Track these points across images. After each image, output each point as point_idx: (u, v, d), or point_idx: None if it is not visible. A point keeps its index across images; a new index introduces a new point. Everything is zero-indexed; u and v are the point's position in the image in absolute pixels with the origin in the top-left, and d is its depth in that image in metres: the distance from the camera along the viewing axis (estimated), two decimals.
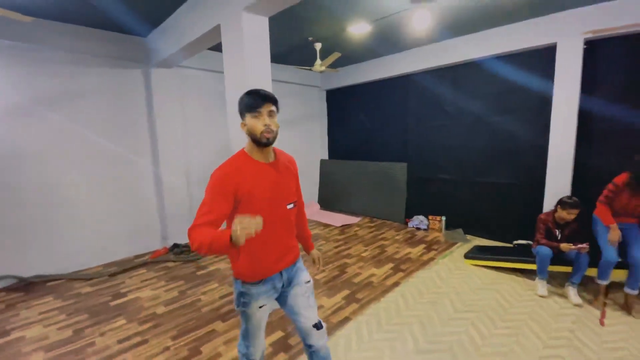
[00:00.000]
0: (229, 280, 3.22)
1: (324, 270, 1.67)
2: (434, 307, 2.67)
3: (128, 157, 3.91)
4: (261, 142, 1.23)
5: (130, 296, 2.98)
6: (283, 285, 1.41)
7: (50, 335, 2.39)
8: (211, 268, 3.57)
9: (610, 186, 2.58)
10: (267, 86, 2.43)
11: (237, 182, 1.20)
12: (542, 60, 3.52)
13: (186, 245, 4.15)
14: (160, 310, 2.72)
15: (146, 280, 3.32)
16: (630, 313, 2.44)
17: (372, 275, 3.28)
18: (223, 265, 3.65)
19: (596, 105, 3.27)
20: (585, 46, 3.19)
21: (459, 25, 3.64)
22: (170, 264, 3.73)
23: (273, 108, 1.24)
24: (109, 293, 3.05)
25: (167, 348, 2.21)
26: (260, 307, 1.36)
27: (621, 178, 2.53)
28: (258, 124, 1.21)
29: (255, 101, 1.21)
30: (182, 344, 2.26)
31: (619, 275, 2.64)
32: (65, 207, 3.50)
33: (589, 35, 3.11)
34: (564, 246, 2.64)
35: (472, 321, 2.45)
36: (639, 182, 2.45)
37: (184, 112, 4.30)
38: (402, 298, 2.81)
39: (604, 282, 2.55)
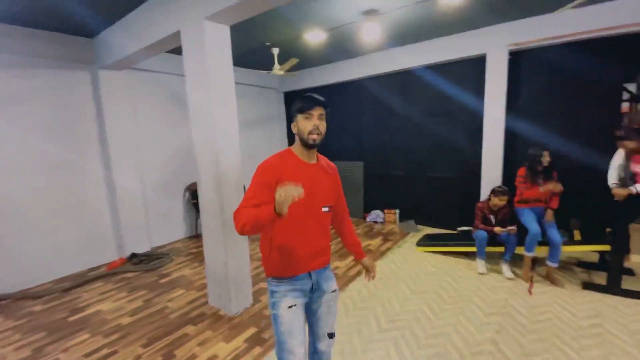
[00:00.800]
0: (196, 286, 3.22)
1: (374, 278, 1.59)
2: (393, 291, 2.95)
3: (76, 163, 3.67)
4: (308, 143, 1.30)
5: (90, 310, 2.85)
6: (312, 288, 1.41)
7: (8, 356, 2.24)
8: (175, 275, 3.52)
9: (517, 179, 3.16)
10: (231, 96, 2.50)
11: (279, 174, 1.26)
12: (475, 68, 4.01)
13: (145, 254, 4.02)
14: (126, 320, 2.65)
15: (105, 292, 3.18)
16: (553, 283, 2.94)
17: (337, 267, 3.50)
18: (187, 271, 3.61)
19: (520, 107, 3.83)
20: (509, 57, 3.72)
21: (404, 36, 4.00)
22: (129, 275, 3.59)
23: (323, 112, 1.31)
24: (65, 309, 2.88)
25: (139, 356, 2.20)
26: (289, 306, 1.34)
27: (521, 170, 3.13)
28: (308, 124, 1.28)
29: (308, 103, 1.28)
30: (154, 350, 2.26)
31: (541, 251, 3.16)
32: (6, 220, 3.21)
33: (512, 47, 3.63)
34: (498, 229, 3.11)
35: (425, 300, 2.78)
36: (532, 172, 3.04)
37: (136, 114, 4.14)
38: (364, 286, 3.06)
39: (530, 254, 3.03)
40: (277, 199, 1.06)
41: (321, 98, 1.32)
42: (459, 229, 4.36)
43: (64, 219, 3.61)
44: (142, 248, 4.17)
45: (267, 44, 3.98)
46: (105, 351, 2.26)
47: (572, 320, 2.40)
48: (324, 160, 1.47)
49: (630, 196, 2.59)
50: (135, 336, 2.43)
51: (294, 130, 1.35)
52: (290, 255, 1.34)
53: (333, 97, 5.58)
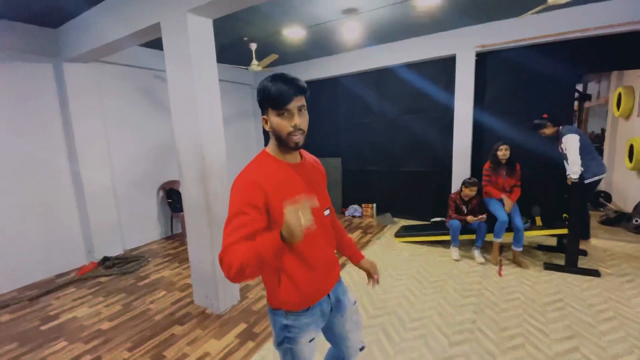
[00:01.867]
0: (179, 287, 3.14)
1: (378, 282, 1.37)
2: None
3: (41, 161, 3.42)
4: (289, 147, 1.02)
5: (64, 317, 2.69)
6: (331, 309, 1.20)
7: None
8: (154, 277, 3.40)
9: (483, 172, 3.44)
10: (214, 88, 2.47)
11: (267, 189, 0.97)
12: (446, 68, 4.25)
13: (118, 257, 3.83)
14: (106, 325, 2.54)
15: (78, 298, 3.01)
16: (519, 265, 3.21)
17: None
18: (167, 272, 3.50)
19: (486, 105, 4.12)
20: (476, 58, 3.97)
21: (380, 36, 4.13)
22: (103, 279, 3.42)
23: (303, 102, 1.01)
24: (36, 317, 2.70)
25: None
26: (310, 340, 1.13)
27: (486, 165, 3.44)
28: (284, 123, 0.98)
29: (283, 95, 0.95)
30: (141, 353, 2.19)
31: (507, 237, 3.43)
32: None
33: (479, 49, 3.89)
34: (470, 218, 3.34)
35: (406, 286, 2.93)
36: (495, 165, 3.36)
37: (105, 110, 3.92)
38: (348, 276, 3.16)
39: (499, 240, 3.28)
40: (290, 222, 0.79)
41: (299, 83, 0.99)
42: (433, 220, 4.60)
43: (27, 221, 3.34)
44: (114, 251, 3.97)
45: (245, 39, 3.94)
46: (88, 357, 2.16)
47: (538, 297, 2.66)
48: (306, 154, 1.21)
49: (575, 183, 2.93)
50: (119, 340, 2.34)
51: (266, 127, 1.04)
52: (308, 281, 1.09)
53: (311, 94, 5.60)
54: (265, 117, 1.03)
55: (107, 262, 3.71)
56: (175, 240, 4.56)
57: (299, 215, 0.80)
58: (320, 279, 1.13)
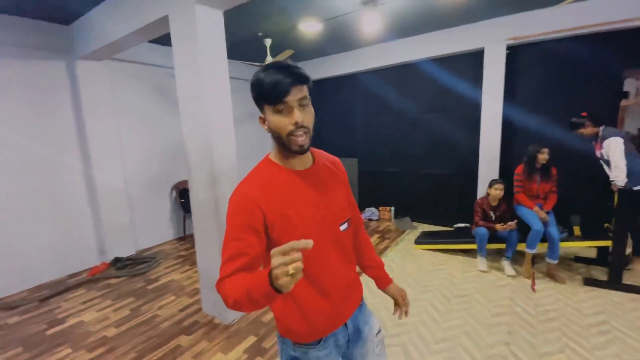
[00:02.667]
0: (188, 292, 3.03)
1: (407, 314, 1.19)
2: None
3: (54, 160, 3.38)
4: (292, 150, 0.85)
5: (71, 321, 2.62)
6: (349, 340, 1.02)
7: None
8: (164, 280, 3.31)
9: (515, 176, 3.12)
10: (225, 86, 2.32)
11: (264, 204, 0.84)
12: (473, 63, 3.95)
13: (130, 258, 3.77)
14: (112, 332, 2.44)
15: (88, 301, 2.94)
16: (554, 279, 2.91)
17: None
18: (178, 275, 3.40)
19: (516, 104, 3.79)
20: (507, 51, 3.66)
21: (401, 29, 3.88)
22: (113, 281, 3.35)
23: (305, 93, 0.82)
24: (43, 321, 2.63)
25: None
26: None
27: (519, 168, 3.10)
28: (284, 121, 0.81)
29: (277, 87, 0.78)
30: None
31: (540, 247, 3.12)
32: None
33: (511, 42, 3.58)
34: (499, 227, 3.05)
35: (430, 301, 2.69)
36: (529, 169, 3.02)
37: (118, 108, 3.86)
38: (366, 288, 2.93)
39: (532, 251, 2.98)
40: (275, 273, 0.63)
41: (296, 70, 0.81)
42: (456, 225, 4.31)
43: (40, 221, 3.32)
44: (126, 251, 3.92)
45: (259, 34, 3.79)
46: None
47: (579, 318, 2.37)
48: (322, 156, 1.01)
49: (621, 190, 2.60)
50: (124, 350, 2.23)
51: (265, 128, 0.87)
52: (320, 310, 0.93)
53: (326, 92, 5.43)
54: (262, 116, 0.87)
55: (118, 263, 3.65)
56: (187, 241, 4.48)
57: (285, 264, 0.62)
58: (335, 307, 0.95)
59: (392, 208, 4.95)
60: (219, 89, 2.27)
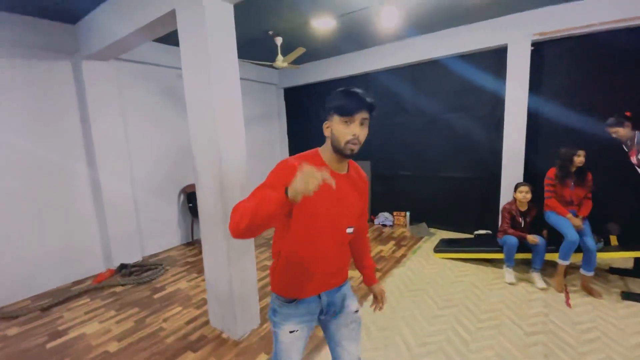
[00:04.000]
0: (195, 303, 2.87)
1: (381, 309, 1.36)
2: (416, 305, 2.65)
3: (58, 163, 3.27)
4: (343, 153, 1.05)
5: (72, 333, 2.47)
6: (322, 312, 1.22)
7: None
8: (170, 289, 3.16)
9: (546, 180, 2.89)
10: (235, 85, 2.16)
11: None
12: (495, 60, 3.73)
13: (136, 265, 3.64)
14: (114, 347, 2.29)
15: (91, 311, 2.80)
16: (590, 293, 2.67)
17: (351, 277, 3.18)
18: (184, 284, 3.25)
19: (542, 102, 3.55)
20: (532, 47, 3.44)
21: (418, 26, 3.69)
22: (118, 289, 3.21)
23: (368, 117, 1.05)
24: (44, 332, 2.50)
25: None
26: (290, 332, 1.17)
27: (551, 172, 2.87)
28: (346, 131, 1.03)
29: (350, 105, 1.02)
30: None
31: (573, 258, 2.88)
32: None
33: (536, 37, 3.35)
34: (531, 238, 2.81)
35: (455, 316, 2.47)
36: (563, 173, 2.80)
37: (125, 110, 3.75)
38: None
39: (566, 262, 2.74)
40: (297, 182, 0.83)
41: (368, 99, 1.03)
42: (476, 233, 4.08)
43: (44, 226, 3.20)
44: (132, 258, 3.79)
45: (270, 33, 3.64)
46: None
47: (623, 338, 2.13)
48: (355, 169, 1.22)
49: None
50: None
51: (326, 133, 1.10)
52: (299, 276, 1.15)
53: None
54: (328, 122, 1.09)
55: (124, 270, 3.52)
56: (195, 246, 4.34)
57: (308, 178, 0.82)
58: (314, 282, 1.16)
59: (407, 213, 4.73)
60: (229, 88, 2.12)
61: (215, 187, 2.13)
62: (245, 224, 0.88)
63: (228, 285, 2.23)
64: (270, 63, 3.84)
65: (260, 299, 2.75)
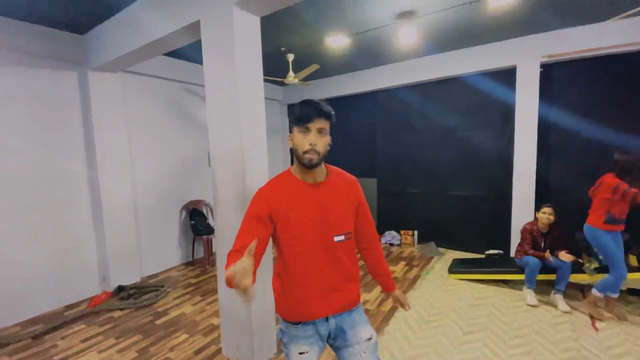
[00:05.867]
0: (202, 329, 2.67)
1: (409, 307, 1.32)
2: (441, 331, 2.51)
3: (56, 177, 3.09)
4: (303, 163, 1.07)
5: None
6: (330, 336, 1.17)
7: None
8: (174, 314, 2.94)
9: (619, 187, 2.41)
10: (259, 99, 2.09)
11: (272, 203, 1.08)
12: (506, 79, 3.79)
13: (134, 287, 3.41)
14: None
15: (88, 339, 2.57)
16: (616, 315, 2.59)
17: (366, 301, 3.03)
18: (189, 308, 3.04)
19: (553, 122, 3.60)
20: (541, 69, 3.50)
21: (430, 45, 3.73)
22: (116, 314, 2.98)
23: (325, 125, 1.07)
24: None
25: None
26: (300, 353, 1.14)
27: (608, 177, 2.49)
28: (304, 141, 1.05)
29: (306, 114, 1.04)
30: None
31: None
32: None
33: (546, 59, 3.42)
34: (564, 255, 2.76)
35: (483, 342, 2.35)
36: (622, 172, 2.44)
37: (130, 124, 3.63)
38: (406, 325, 2.60)
39: (615, 296, 2.56)
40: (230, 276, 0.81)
41: (324, 107, 1.06)
42: (487, 252, 4.00)
43: (37, 245, 2.98)
44: (131, 279, 3.56)
45: (282, 49, 3.62)
46: None
47: None
48: (337, 175, 1.20)
49: None
50: None
51: (289, 145, 1.13)
52: (295, 300, 1.14)
53: (344, 109, 5.24)
54: (291, 134, 1.11)
55: (122, 293, 3.28)
56: (196, 266, 4.13)
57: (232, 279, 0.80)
58: (312, 301, 1.12)
59: (415, 232, 4.65)
60: (255, 101, 2.05)
61: (238, 204, 2.01)
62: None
63: (246, 312, 2.07)
64: (281, 79, 3.80)
65: (277, 325, 2.57)
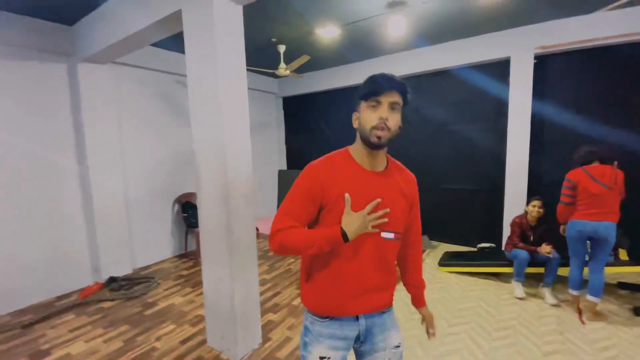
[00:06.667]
0: (190, 320, 2.68)
1: (434, 335, 1.19)
2: None
3: (46, 169, 3.10)
4: (369, 142, 0.96)
5: (57, 353, 2.27)
6: (359, 338, 1.06)
7: None
8: (163, 305, 2.96)
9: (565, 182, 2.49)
10: (242, 90, 2.07)
11: (326, 180, 0.98)
12: (499, 72, 3.74)
13: (125, 278, 3.43)
14: None
15: (77, 329, 2.59)
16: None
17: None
18: (178, 299, 3.06)
19: (546, 115, 3.55)
20: (535, 60, 3.45)
21: (424, 35, 3.68)
22: (106, 304, 3.00)
23: (398, 100, 0.95)
24: (25, 352, 2.28)
25: None
26: (320, 357, 1.03)
27: (570, 174, 2.51)
28: (373, 116, 0.94)
29: (376, 86, 0.93)
30: None
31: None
32: None
33: (539, 51, 3.37)
34: (544, 248, 2.75)
35: (468, 334, 2.36)
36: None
37: (121, 116, 3.62)
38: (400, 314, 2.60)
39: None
40: (346, 227, 0.92)
41: (398, 79, 0.94)
42: (480, 246, 3.99)
43: (29, 234, 3.00)
44: (122, 270, 3.58)
45: (273, 40, 3.59)
46: None
47: None
48: (397, 168, 1.09)
49: None
50: None
51: (355, 124, 1.02)
52: (330, 288, 1.02)
53: (338, 102, 5.21)
54: (356, 113, 1.01)
55: (113, 284, 3.30)
56: (189, 258, 4.15)
57: (358, 218, 0.91)
58: (348, 296, 1.02)
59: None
60: (237, 93, 2.03)
61: (220, 197, 2.01)
62: (291, 253, 1.00)
63: (230, 302, 2.08)
64: (272, 71, 3.77)
65: (262, 316, 2.59)
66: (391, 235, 1.02)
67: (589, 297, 2.45)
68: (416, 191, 1.13)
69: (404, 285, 1.26)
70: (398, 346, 1.09)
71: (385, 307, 1.09)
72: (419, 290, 1.24)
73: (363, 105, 0.97)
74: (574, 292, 2.59)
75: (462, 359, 2.09)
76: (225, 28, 1.94)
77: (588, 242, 2.53)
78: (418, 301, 1.24)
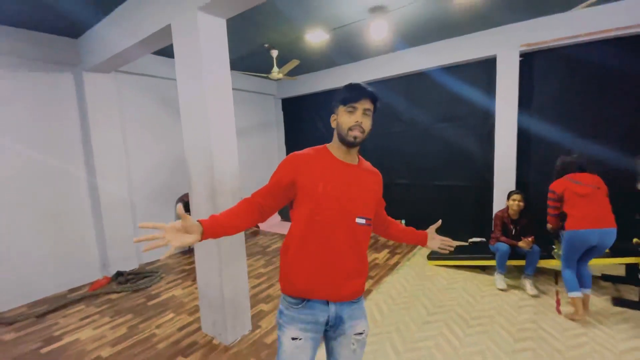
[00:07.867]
0: (188, 309, 2.89)
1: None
2: (408, 312, 2.66)
3: (57, 171, 3.35)
4: (346, 141, 1.11)
5: (67, 339, 2.50)
6: (328, 323, 1.14)
7: None
8: (165, 296, 3.18)
9: (549, 194, 2.58)
10: (228, 96, 2.24)
11: (300, 168, 1.11)
12: (486, 70, 3.82)
13: (132, 273, 3.67)
14: (107, 352, 2.32)
15: (86, 317, 2.83)
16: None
17: (375, 258, 3.22)
18: (179, 291, 3.28)
19: (533, 112, 3.63)
20: (521, 58, 3.53)
21: (410, 38, 3.80)
22: (113, 296, 3.25)
23: (370, 107, 1.12)
24: (39, 338, 2.53)
25: None
26: (292, 338, 1.11)
27: (553, 185, 2.56)
28: (349, 119, 1.10)
29: (353, 94, 1.10)
30: None
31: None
32: None
33: (524, 48, 3.45)
34: (522, 243, 2.84)
35: (445, 322, 2.49)
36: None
37: (124, 121, 3.85)
38: (376, 307, 2.76)
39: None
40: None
41: (370, 89, 1.11)
42: (471, 240, 4.09)
43: (41, 234, 3.26)
44: (129, 265, 3.83)
45: (266, 45, 3.76)
46: None
47: (613, 344, 2.14)
48: (365, 164, 1.25)
49: None
50: None
51: (333, 125, 1.17)
52: (305, 271, 1.10)
53: (329, 104, 5.34)
54: (334, 115, 1.16)
55: (120, 278, 3.55)
56: (191, 255, 4.37)
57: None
58: (322, 280, 1.11)
59: (403, 221, 4.76)
60: (222, 99, 2.20)
61: (208, 194, 2.19)
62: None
63: (219, 292, 2.27)
64: (266, 75, 3.95)
65: (252, 306, 2.78)
66: (363, 221, 1.13)
67: (584, 290, 2.47)
68: (381, 185, 1.27)
69: (407, 241, 1.42)
70: (361, 333, 1.17)
71: (355, 296, 1.16)
72: (412, 232, 1.40)
73: (341, 109, 1.12)
74: (577, 294, 2.42)
75: (436, 344, 2.23)
76: (210, 40, 2.11)
77: None
78: (419, 236, 1.40)
